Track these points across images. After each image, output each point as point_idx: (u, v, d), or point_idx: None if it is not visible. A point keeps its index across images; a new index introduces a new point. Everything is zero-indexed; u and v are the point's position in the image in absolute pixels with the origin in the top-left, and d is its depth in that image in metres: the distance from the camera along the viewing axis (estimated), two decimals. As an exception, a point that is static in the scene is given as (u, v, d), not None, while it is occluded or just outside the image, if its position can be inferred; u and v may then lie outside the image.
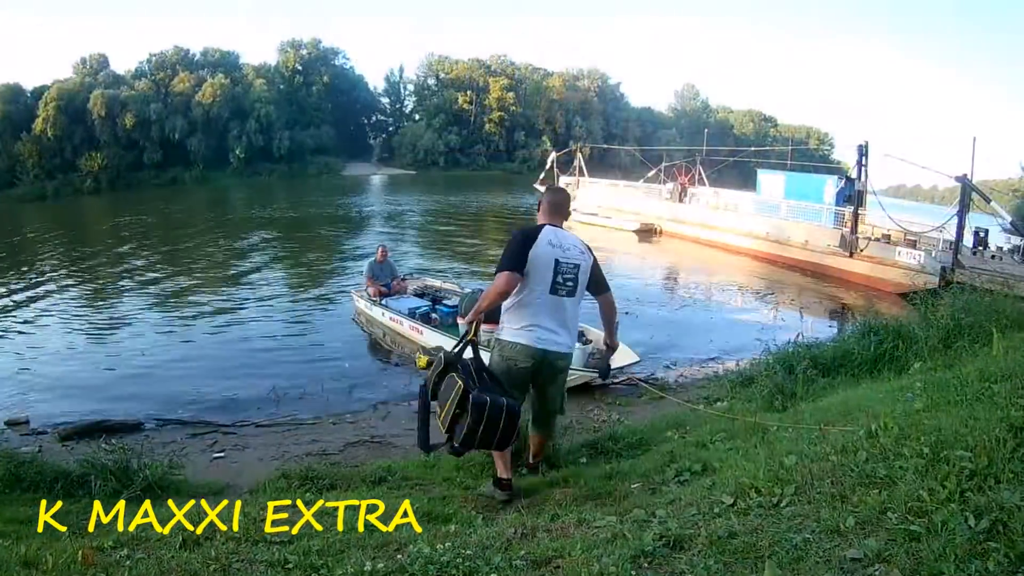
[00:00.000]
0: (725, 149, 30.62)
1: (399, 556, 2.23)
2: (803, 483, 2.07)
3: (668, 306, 11.30)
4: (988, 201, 11.59)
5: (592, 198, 23.63)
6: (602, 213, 21.97)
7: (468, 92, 60.93)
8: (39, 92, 46.45)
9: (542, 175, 26.61)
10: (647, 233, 19.80)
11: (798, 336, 5.94)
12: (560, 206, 3.17)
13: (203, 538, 2.53)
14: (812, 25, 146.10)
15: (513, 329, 3.01)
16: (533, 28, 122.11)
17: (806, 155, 53.45)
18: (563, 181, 25.08)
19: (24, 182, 43.96)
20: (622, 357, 6.52)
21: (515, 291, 2.92)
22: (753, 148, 30.67)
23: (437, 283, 10.07)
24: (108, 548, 2.51)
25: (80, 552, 2.36)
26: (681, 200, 20.55)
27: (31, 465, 3.76)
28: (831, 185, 15.63)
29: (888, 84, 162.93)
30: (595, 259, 3.11)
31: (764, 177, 18.54)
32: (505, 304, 3.00)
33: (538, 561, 2.00)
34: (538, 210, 3.20)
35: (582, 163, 25.53)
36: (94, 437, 5.20)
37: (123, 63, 61.47)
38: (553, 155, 26.55)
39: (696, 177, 21.17)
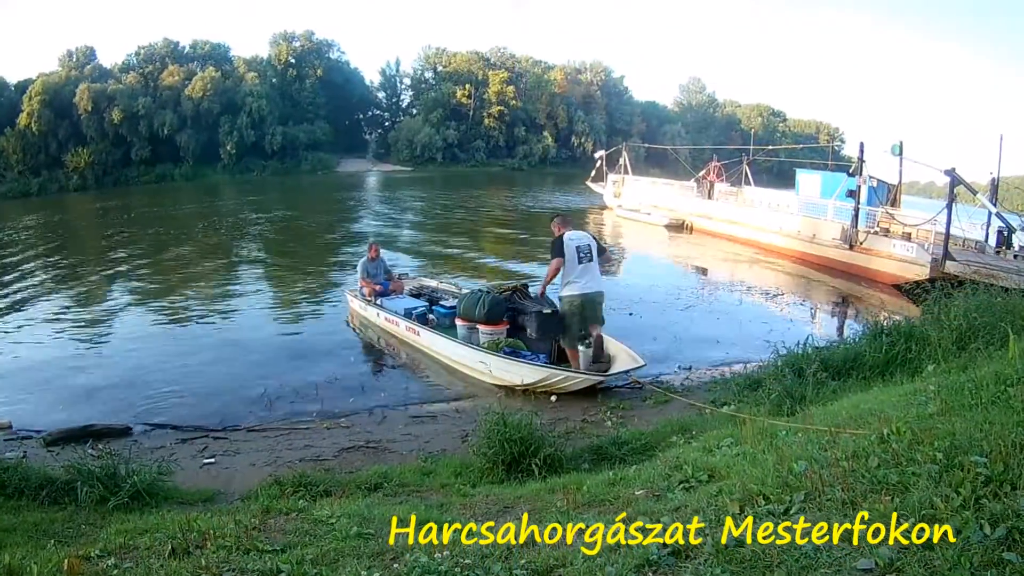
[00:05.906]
0: (760, 148, 32.25)
1: (396, 565, 2.24)
2: (813, 490, 2.07)
3: (674, 307, 11.24)
4: (974, 194, 12.71)
5: (636, 195, 25.88)
6: (643, 209, 24.10)
7: (467, 86, 60.72)
8: (23, 86, 46.56)
9: (592, 173, 29.74)
10: (676, 228, 21.32)
11: (808, 337, 5.95)
12: (568, 220, 6.68)
13: (193, 546, 2.53)
14: (827, 11, 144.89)
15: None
16: (534, 20, 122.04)
17: (815, 151, 53.58)
18: (611, 179, 27.95)
19: (7, 179, 44.03)
20: (626, 361, 6.52)
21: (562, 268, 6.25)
22: (770, 147, 33.45)
23: (433, 283, 10.04)
24: (95, 557, 2.52)
25: (66, 561, 2.37)
26: (709, 196, 22.32)
27: (15, 471, 3.76)
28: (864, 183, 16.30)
29: (915, 74, 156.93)
30: (596, 238, 6.63)
31: (802, 177, 20.15)
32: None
33: (539, 571, 2.00)
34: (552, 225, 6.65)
35: (627, 161, 27.85)
36: (80, 442, 5.21)
37: (111, 56, 61.68)
38: (602, 154, 29.37)
39: (741, 176, 22.91)
